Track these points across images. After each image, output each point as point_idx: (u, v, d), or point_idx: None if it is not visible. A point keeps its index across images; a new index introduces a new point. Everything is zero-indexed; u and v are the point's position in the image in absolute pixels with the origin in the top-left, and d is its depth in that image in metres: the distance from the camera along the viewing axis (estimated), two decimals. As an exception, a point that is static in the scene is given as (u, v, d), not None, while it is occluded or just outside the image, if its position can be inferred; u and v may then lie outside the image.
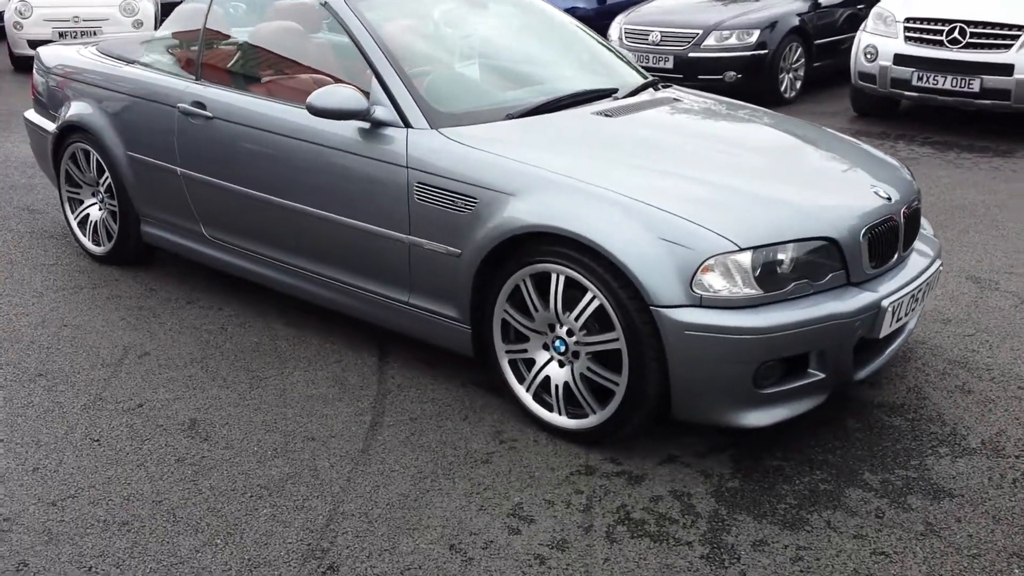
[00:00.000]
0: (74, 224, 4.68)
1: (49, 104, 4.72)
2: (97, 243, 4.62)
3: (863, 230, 2.89)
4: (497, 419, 3.21)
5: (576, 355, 2.97)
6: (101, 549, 2.55)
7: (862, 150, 3.53)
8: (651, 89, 3.90)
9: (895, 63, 7.37)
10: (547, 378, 3.06)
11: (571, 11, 6.70)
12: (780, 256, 2.74)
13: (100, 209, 4.58)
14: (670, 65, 8.47)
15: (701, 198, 2.84)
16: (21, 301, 4.19)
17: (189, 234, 4.15)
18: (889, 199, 3.07)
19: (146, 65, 4.26)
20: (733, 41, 8.35)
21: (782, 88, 8.71)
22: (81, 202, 4.65)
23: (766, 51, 8.41)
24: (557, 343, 3.00)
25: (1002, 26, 6.88)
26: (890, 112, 8.12)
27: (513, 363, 3.16)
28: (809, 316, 2.73)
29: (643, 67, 4.77)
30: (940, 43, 7.14)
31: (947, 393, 3.38)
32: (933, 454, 3.00)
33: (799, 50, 8.81)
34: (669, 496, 2.79)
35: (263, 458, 2.99)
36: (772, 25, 8.46)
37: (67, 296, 4.26)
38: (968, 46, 7.01)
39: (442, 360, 3.59)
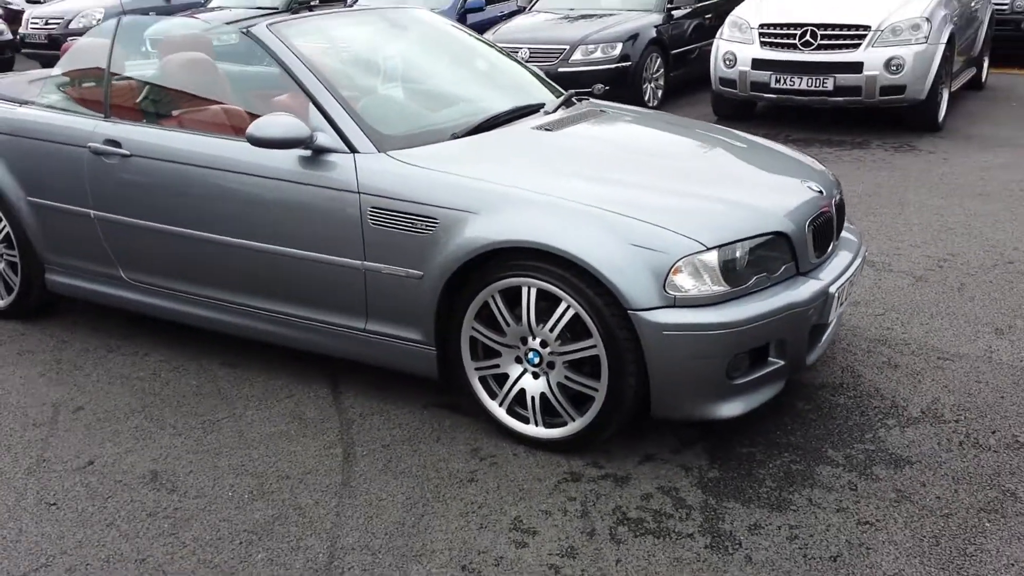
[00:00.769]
0: (-37, 279, 4.36)
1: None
2: (-7, 298, 4.32)
3: (807, 222, 3.09)
4: (469, 437, 3.22)
5: (551, 365, 3.02)
6: (95, 617, 2.40)
7: (778, 150, 3.75)
8: (569, 102, 4.00)
9: (753, 67, 7.82)
10: (522, 391, 3.10)
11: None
12: (740, 253, 2.89)
13: (-6, 261, 4.28)
14: (541, 80, 8.65)
15: (660, 204, 2.96)
16: (-81, 366, 3.87)
17: (105, 279, 3.94)
18: (821, 192, 3.29)
19: (44, 106, 4.02)
20: (599, 55, 8.64)
21: (645, 97, 9.06)
22: (-30, 255, 4.33)
23: (630, 62, 8.74)
24: (531, 355, 3.04)
25: (850, 27, 7.43)
26: (749, 114, 8.60)
27: (483, 380, 3.18)
28: (772, 307, 2.89)
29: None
30: (794, 46, 7.63)
31: (877, 369, 3.64)
32: (882, 426, 3.22)
33: (659, 60, 9.20)
34: (658, 493, 2.88)
35: (241, 502, 2.89)
36: (633, 38, 8.80)
37: (-30, 356, 3.96)
38: (820, 48, 7.53)
39: (395, 385, 3.56)
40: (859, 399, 3.41)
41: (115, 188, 3.71)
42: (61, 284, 4.10)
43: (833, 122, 8.28)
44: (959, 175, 6.50)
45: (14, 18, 13.75)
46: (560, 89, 4.24)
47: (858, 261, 3.36)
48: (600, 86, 9.20)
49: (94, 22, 11.98)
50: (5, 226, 4.11)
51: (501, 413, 3.16)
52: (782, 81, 7.69)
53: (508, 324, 3.03)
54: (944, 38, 7.50)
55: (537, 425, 3.10)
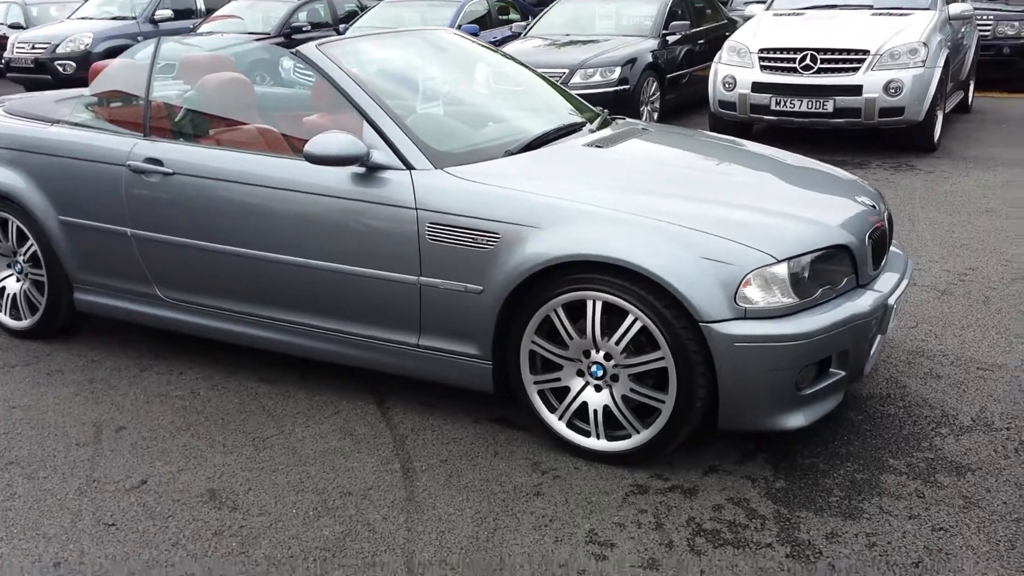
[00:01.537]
0: (-14, 299, 4.27)
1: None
2: (17, 317, 4.23)
3: (866, 236, 3.12)
4: (527, 451, 3.20)
5: (615, 378, 3.01)
6: (176, 637, 2.34)
7: (822, 168, 3.79)
8: (614, 121, 4.03)
9: (753, 90, 7.93)
10: (583, 404, 3.08)
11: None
12: (808, 265, 2.91)
13: (19, 281, 4.20)
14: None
15: (725, 217, 2.97)
16: (-52, 388, 3.78)
17: (138, 297, 3.88)
18: (874, 207, 3.33)
19: (76, 124, 3.97)
20: (597, 78, 8.71)
21: (643, 120, 9.15)
22: (-7, 275, 4.25)
23: (628, 86, 8.82)
24: (594, 368, 3.03)
25: (849, 51, 7.57)
26: (746, 135, 8.69)
27: (541, 393, 3.16)
28: (839, 318, 2.91)
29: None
30: (794, 70, 7.75)
31: (920, 380, 3.67)
32: (936, 435, 3.24)
33: (655, 84, 9.30)
34: (729, 504, 2.87)
35: (307, 519, 2.84)
36: (631, 62, 8.90)
37: (0, 377, 3.87)
38: (820, 71, 7.65)
39: (443, 400, 3.54)
40: (908, 409, 3.44)
41: (155, 206, 3.67)
42: (91, 303, 4.04)
43: (831, 143, 8.41)
44: (962, 193, 6.62)
45: None
46: (593, 108, 4.27)
47: (908, 274, 3.40)
48: (599, 109, 9.32)
49: (82, 46, 11.90)
50: (32, 245, 4.04)
51: (561, 427, 3.14)
52: (782, 103, 7.80)
53: (571, 337, 3.02)
54: (940, 62, 7.66)
55: (599, 438, 3.08)
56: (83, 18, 13.13)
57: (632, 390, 2.98)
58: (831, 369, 3.03)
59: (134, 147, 3.72)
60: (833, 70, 7.61)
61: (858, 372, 3.12)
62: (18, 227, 4.06)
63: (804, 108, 7.72)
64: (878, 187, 6.76)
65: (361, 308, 3.36)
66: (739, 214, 3.02)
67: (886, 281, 3.23)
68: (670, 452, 3.07)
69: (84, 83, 4.92)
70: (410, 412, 3.49)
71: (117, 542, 2.74)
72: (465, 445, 3.25)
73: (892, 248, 3.57)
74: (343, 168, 3.28)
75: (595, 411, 3.06)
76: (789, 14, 8.65)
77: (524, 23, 11.54)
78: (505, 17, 11.72)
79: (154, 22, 12.32)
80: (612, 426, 3.07)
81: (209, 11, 12.75)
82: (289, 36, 11.06)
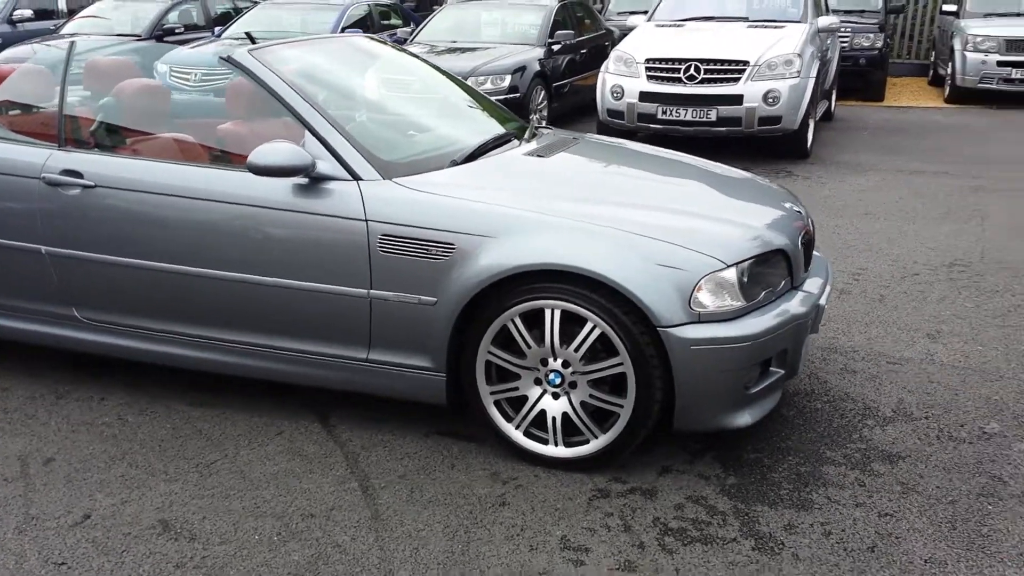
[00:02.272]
0: None
1: None
2: (-91, 346, 3.92)
3: (799, 239, 3.29)
4: (484, 462, 3.21)
5: (573, 385, 3.06)
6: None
7: (747, 176, 3.96)
8: (540, 131, 4.09)
9: (641, 100, 8.18)
10: (541, 412, 3.12)
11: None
12: (753, 269, 3.04)
13: (-90, 306, 3.89)
14: (431, 111, 8.72)
15: (674, 225, 3.07)
16: None
17: (55, 320, 3.66)
18: (800, 212, 3.51)
19: (-23, 135, 3.71)
20: (489, 86, 8.78)
21: (530, 127, 9.27)
22: None
23: (518, 94, 8.93)
24: (552, 376, 3.07)
25: (730, 62, 7.91)
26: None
27: (498, 404, 3.18)
28: (782, 319, 3.06)
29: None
30: (679, 80, 8.04)
31: (838, 375, 3.90)
32: (864, 426, 3.45)
33: (543, 92, 9.45)
34: (688, 502, 2.97)
35: (272, 545, 2.76)
36: (521, 70, 9.02)
37: (-102, 412, 3.58)
38: (703, 81, 7.97)
39: (390, 416, 3.50)
40: (834, 403, 3.64)
41: (73, 221, 3.47)
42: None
43: (713, 152, 8.75)
44: (840, 197, 7.04)
45: None
46: (515, 116, 4.32)
47: (830, 275, 3.60)
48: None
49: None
50: (-71, 267, 3.75)
51: (518, 436, 3.17)
52: (668, 112, 8.08)
53: (529, 346, 3.06)
54: (814, 72, 8.11)
55: (557, 445, 3.13)
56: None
57: (591, 396, 3.05)
58: (771, 368, 3.18)
59: (48, 158, 3.51)
60: (716, 80, 7.94)
61: (794, 370, 3.28)
62: (-90, 249, 3.76)
63: (689, 117, 8.02)
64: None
65: (306, 324, 3.29)
66: (686, 221, 3.13)
67: (814, 283, 3.42)
68: (625, 455, 3.15)
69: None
70: (357, 429, 3.44)
71: (70, 581, 2.59)
72: (420, 460, 3.23)
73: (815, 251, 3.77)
74: (283, 179, 3.21)
75: (553, 419, 3.10)
76: (670, 25, 8.96)
77: (408, 28, 11.50)
78: (387, 22, 11.64)
79: (12, 23, 11.58)
80: (568, 432, 3.12)
81: (71, 12, 12.08)
82: (160, 38, 10.64)
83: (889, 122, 10.68)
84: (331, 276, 3.20)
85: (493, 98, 8.62)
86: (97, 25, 10.41)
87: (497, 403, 3.18)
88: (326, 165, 3.20)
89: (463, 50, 9.50)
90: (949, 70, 12.23)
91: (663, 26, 8.96)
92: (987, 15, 12.29)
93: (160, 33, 10.79)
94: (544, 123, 9.54)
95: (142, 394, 3.72)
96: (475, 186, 3.21)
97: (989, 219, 6.38)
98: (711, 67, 7.94)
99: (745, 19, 8.86)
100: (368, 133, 3.49)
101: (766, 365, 3.15)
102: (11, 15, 11.67)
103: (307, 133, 3.25)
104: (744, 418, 3.08)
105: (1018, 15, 12.21)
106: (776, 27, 8.57)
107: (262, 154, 3.10)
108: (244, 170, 3.19)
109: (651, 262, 2.92)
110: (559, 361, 3.05)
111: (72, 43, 3.69)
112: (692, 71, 7.99)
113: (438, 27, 10.28)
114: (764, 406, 3.16)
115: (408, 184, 3.17)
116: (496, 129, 3.89)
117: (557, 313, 2.99)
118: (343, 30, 10.22)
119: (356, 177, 3.19)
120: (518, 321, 3.04)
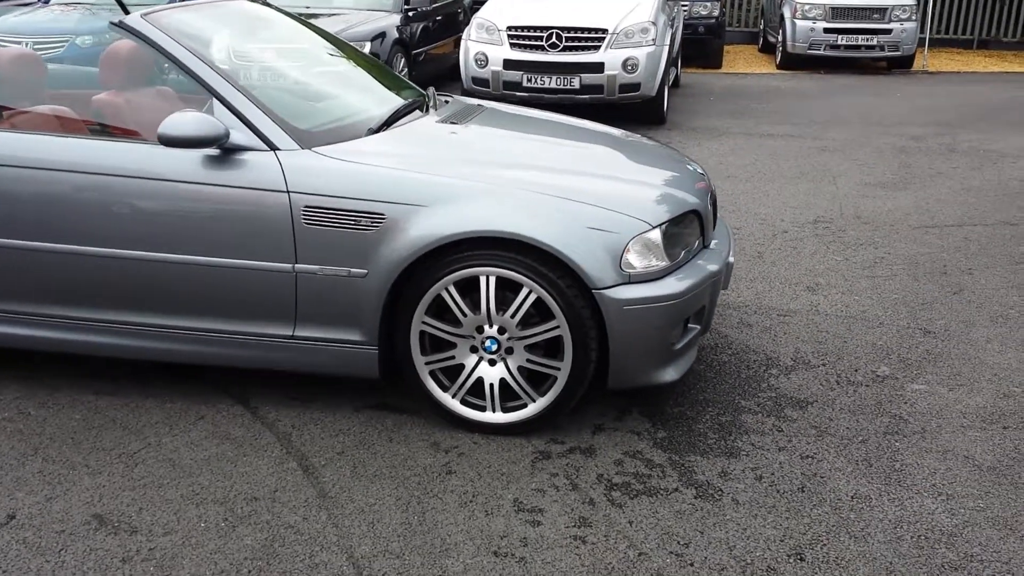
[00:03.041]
0: None
1: None
2: None
3: (707, 200, 3.45)
4: (421, 432, 3.21)
5: (510, 351, 3.11)
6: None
7: (647, 140, 4.09)
8: (442, 99, 4.07)
9: (505, 68, 8.24)
10: (478, 380, 3.15)
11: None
12: (673, 230, 3.17)
13: None
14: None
15: (599, 189, 3.15)
16: None
17: (-69, 312, 3.37)
18: (703, 173, 3.67)
19: None
20: (348, 53, 8.58)
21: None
22: None
23: (380, 61, 8.77)
24: (488, 343, 3.10)
25: (590, 30, 8.08)
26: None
27: (433, 374, 3.19)
28: (702, 277, 3.20)
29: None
30: (542, 48, 8.15)
31: (737, 329, 4.12)
32: (769, 375, 3.68)
33: (403, 60, 9.33)
34: (627, 457, 3.08)
35: (221, 531, 2.67)
36: (380, 36, 8.86)
37: None
38: (566, 49, 8.11)
39: (315, 393, 3.44)
40: (738, 355, 3.86)
41: (-46, 204, 3.19)
42: None
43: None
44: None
45: None
46: (411, 83, 4.28)
47: (731, 233, 3.79)
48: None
49: None
50: None
51: (456, 404, 3.19)
52: (533, 80, 8.17)
53: (465, 315, 3.07)
54: (668, 40, 8.41)
55: (496, 411, 3.17)
56: None
57: (528, 360, 3.10)
58: (690, 325, 3.33)
59: (-80, 136, 3.21)
60: (577, 48, 8.09)
61: (708, 326, 3.45)
62: None
63: (554, 85, 8.15)
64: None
65: (224, 302, 3.17)
66: (608, 185, 3.21)
67: (720, 241, 3.59)
68: (561, 417, 3.23)
69: None
70: (283, 409, 3.36)
71: (6, 588, 2.43)
72: (356, 435, 3.20)
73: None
74: (191, 151, 3.07)
75: (491, 385, 3.14)
76: (528, -8, 9.03)
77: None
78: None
79: None
80: (505, 398, 3.17)
81: None
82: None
83: (731, 88, 11.22)
84: (250, 252, 3.09)
85: (355, 66, 8.53)
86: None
87: (432, 373, 3.19)
88: (240, 135, 3.08)
89: (317, 15, 9.22)
90: (780, 37, 12.95)
91: (522, -7, 9.02)
92: (812, -14, 13.05)
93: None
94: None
95: (40, 386, 3.49)
96: (399, 154, 3.18)
97: (841, 178, 6.86)
98: (572, 35, 8.08)
99: (600, -14, 9.04)
100: (278, 101, 3.37)
101: (686, 322, 3.30)
102: None
103: (215, 102, 3.11)
104: (671, 373, 3.21)
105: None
106: (630, -5, 8.80)
107: (174, 124, 2.95)
108: (143, 142, 3.04)
109: (582, 226, 2.99)
110: (495, 328, 3.09)
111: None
112: (554, 39, 8.11)
113: (288, -8, 9.92)
114: (687, 361, 3.30)
115: (330, 153, 3.10)
116: (399, 95, 3.85)
117: (492, 280, 3.01)
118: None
119: (273, 147, 3.09)
120: (452, 290, 3.04)
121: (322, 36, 4.25)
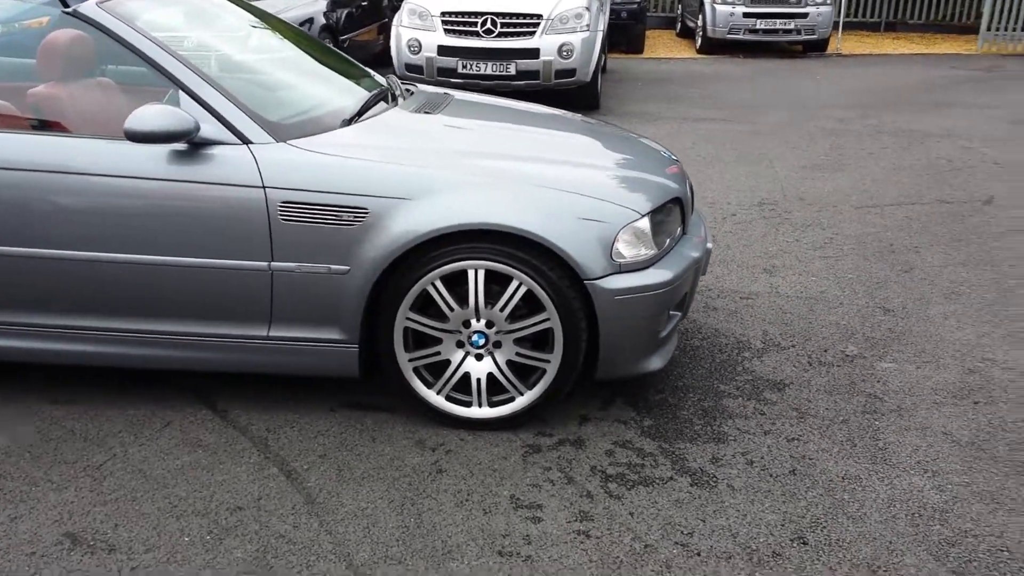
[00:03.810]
0: None
1: None
2: None
3: (686, 187, 3.43)
4: (405, 431, 3.11)
5: (498, 345, 3.03)
6: None
7: (617, 129, 4.04)
8: (405, 88, 3.95)
9: (439, 54, 8.11)
10: (464, 375, 3.06)
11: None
12: (659, 218, 3.14)
13: None
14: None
15: (586, 179, 3.09)
16: None
17: None
18: (677, 161, 3.65)
19: None
20: (274, 40, 8.32)
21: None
22: None
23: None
24: (475, 338, 3.02)
25: (525, 16, 8.01)
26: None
27: (416, 371, 3.09)
28: (686, 264, 3.18)
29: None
30: (476, 34, 8.04)
31: (704, 313, 4.13)
32: (743, 359, 3.69)
33: (332, 46, 9.10)
34: (617, 448, 3.05)
35: (208, 545, 2.53)
36: (308, 22, 8.62)
37: None
38: (501, 35, 8.02)
39: (283, 395, 3.31)
40: (710, 340, 3.86)
41: None
42: None
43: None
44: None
45: None
46: (370, 72, 4.14)
47: (704, 219, 3.78)
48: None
49: None
50: None
51: (440, 401, 3.10)
52: (468, 67, 8.06)
53: (452, 309, 2.98)
54: (601, 26, 8.40)
55: (482, 406, 3.09)
56: None
57: (518, 354, 3.03)
58: (671, 312, 3.31)
59: None
60: (513, 34, 8.01)
61: (686, 313, 3.44)
62: None
63: (489, 71, 8.05)
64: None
65: (194, 304, 3.01)
66: (594, 174, 3.16)
67: (700, 229, 3.58)
68: (548, 410, 3.17)
69: None
70: (254, 412, 3.22)
71: (-19, 619, 2.25)
72: (336, 436, 3.08)
73: (681, 198, 3.94)
74: (156, 147, 2.90)
75: (478, 380, 3.06)
76: (459, -23, 8.90)
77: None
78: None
79: None
80: (492, 392, 3.10)
81: None
82: None
83: (656, 73, 11.31)
84: (222, 250, 2.94)
85: (282, 53, 8.28)
86: None
87: (416, 370, 3.09)
88: (209, 128, 2.92)
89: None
90: (700, 22, 13.11)
91: (452, -22, 8.88)
92: (731, -29, 13.24)
93: None
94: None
95: (-15, 397, 3.26)
96: (379, 146, 3.06)
97: (777, 161, 6.96)
98: (507, 20, 8.00)
99: (531, -28, 8.97)
100: (247, 92, 3.20)
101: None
102: None
103: (182, 94, 2.94)
104: (656, 362, 3.18)
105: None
106: (562, -20, 8.75)
107: (141, 119, 2.77)
108: (107, 138, 2.87)
109: (573, 216, 2.93)
110: (482, 322, 3.00)
111: None
112: (489, 25, 8.01)
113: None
114: (670, 349, 3.28)
115: (306, 146, 2.96)
116: (361, 85, 3.71)
117: (481, 273, 2.93)
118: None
119: (246, 140, 2.93)
120: (439, 284, 2.95)
121: (275, 22, 4.07)
